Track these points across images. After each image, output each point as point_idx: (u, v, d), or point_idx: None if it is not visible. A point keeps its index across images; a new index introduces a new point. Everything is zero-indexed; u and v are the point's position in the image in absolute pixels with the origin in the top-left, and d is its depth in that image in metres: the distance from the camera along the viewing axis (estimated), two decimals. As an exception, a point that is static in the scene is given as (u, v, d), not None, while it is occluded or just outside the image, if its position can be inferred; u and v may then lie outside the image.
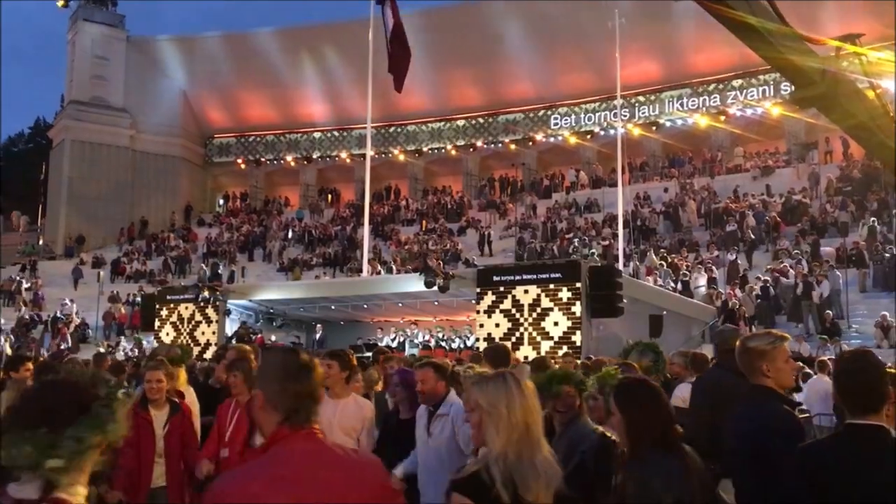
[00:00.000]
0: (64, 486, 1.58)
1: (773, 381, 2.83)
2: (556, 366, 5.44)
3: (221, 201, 37.74)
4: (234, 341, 14.89)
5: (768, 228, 21.54)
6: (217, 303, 16.35)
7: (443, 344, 16.38)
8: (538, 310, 12.78)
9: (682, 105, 29.31)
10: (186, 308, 16.77)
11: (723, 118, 28.51)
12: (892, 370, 3.34)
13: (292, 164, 36.44)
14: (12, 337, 21.75)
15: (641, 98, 29.75)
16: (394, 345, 16.21)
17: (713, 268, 19.32)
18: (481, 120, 33.32)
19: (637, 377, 3.17)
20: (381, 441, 4.40)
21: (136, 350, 18.66)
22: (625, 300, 12.63)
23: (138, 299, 21.84)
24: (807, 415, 8.77)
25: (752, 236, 21.22)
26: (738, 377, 3.14)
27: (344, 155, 35.47)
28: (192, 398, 5.20)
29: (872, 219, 20.38)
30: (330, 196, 36.13)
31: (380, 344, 15.86)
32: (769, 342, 2.88)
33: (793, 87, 3.97)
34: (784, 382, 2.89)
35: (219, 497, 1.66)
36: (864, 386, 2.33)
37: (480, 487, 2.01)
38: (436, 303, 15.11)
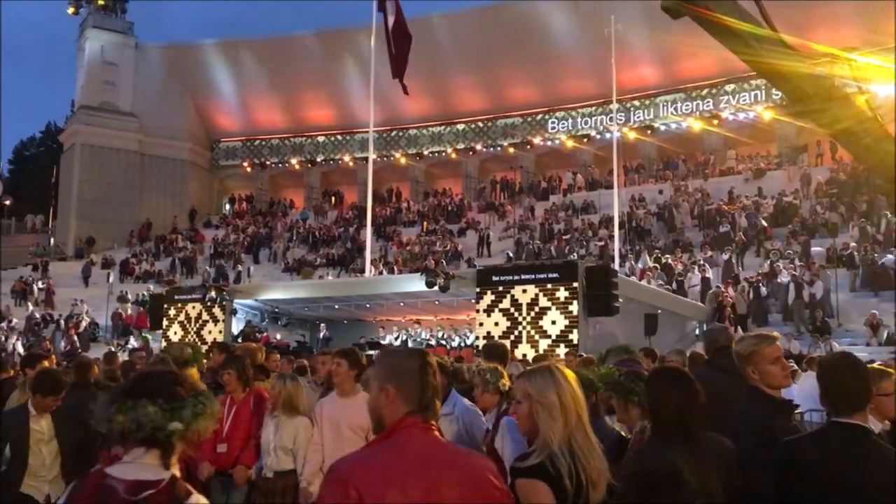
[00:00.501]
0: (176, 454, 1.77)
1: (760, 381, 2.81)
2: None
3: (228, 204, 38.35)
4: (240, 340, 15.36)
5: (755, 231, 21.89)
6: (223, 302, 16.62)
7: (443, 342, 16.79)
8: (536, 309, 12.99)
9: (676, 109, 29.78)
10: (194, 307, 17.07)
11: (716, 122, 29.01)
12: (883, 367, 3.46)
13: (297, 167, 37.01)
14: (24, 337, 22.24)
15: (637, 102, 30.25)
16: (396, 343, 16.66)
17: (707, 267, 19.77)
18: (480, 124, 33.85)
19: (667, 366, 3.25)
20: None
21: (144, 351, 19.09)
22: (620, 299, 12.88)
23: (147, 299, 22.30)
24: (798, 412, 9.15)
25: (744, 238, 21.68)
26: (730, 376, 3.16)
27: (347, 158, 36.01)
28: None
29: (862, 220, 20.83)
30: (333, 198, 36.66)
31: (382, 343, 16.37)
32: (752, 344, 2.87)
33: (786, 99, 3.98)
34: (771, 383, 2.81)
35: (344, 473, 1.75)
36: (846, 386, 2.35)
37: (547, 474, 2.12)
38: (437, 302, 15.40)
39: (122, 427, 1.75)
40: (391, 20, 15.24)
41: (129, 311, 23.68)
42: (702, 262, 20.14)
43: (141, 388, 1.81)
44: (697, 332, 16.57)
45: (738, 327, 16.11)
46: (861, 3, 23.24)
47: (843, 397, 2.35)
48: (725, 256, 20.23)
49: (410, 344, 16.84)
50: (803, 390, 9.85)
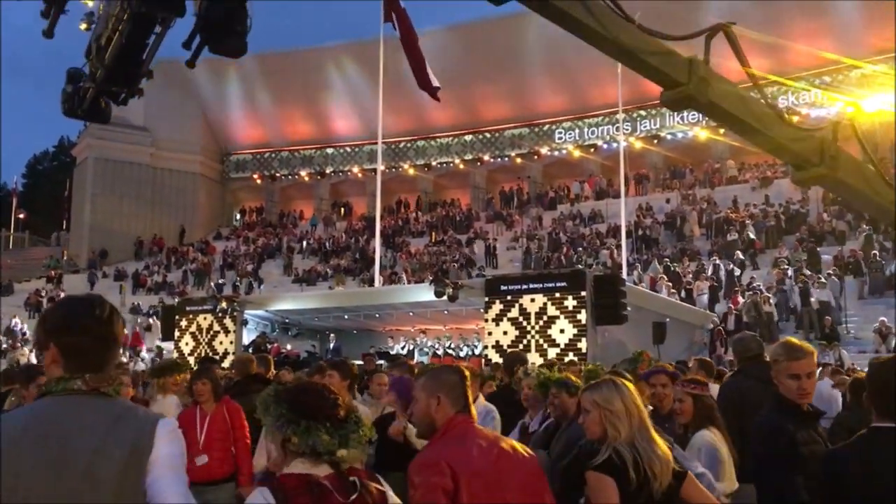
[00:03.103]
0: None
1: (783, 389, 2.85)
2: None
3: (238, 216, 38.74)
4: (251, 350, 15.51)
5: (748, 246, 21.74)
6: (234, 313, 16.77)
7: (451, 351, 16.90)
8: (544, 318, 12.98)
9: (682, 118, 29.86)
10: (205, 318, 17.14)
11: (722, 131, 29.04)
12: None
13: (306, 178, 37.36)
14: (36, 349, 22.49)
15: (643, 112, 30.36)
16: (404, 352, 16.76)
17: (715, 277, 19.78)
18: (488, 135, 34.09)
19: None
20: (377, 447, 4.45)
21: (159, 359, 19.30)
22: (629, 308, 12.90)
23: (158, 310, 22.53)
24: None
25: (741, 251, 21.64)
26: (761, 383, 3.23)
27: (356, 170, 36.32)
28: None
29: (869, 228, 20.81)
30: (343, 209, 36.97)
31: (391, 352, 16.49)
32: (777, 353, 2.92)
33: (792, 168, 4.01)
34: (790, 395, 2.83)
35: (434, 459, 2.19)
36: (889, 390, 2.29)
37: (615, 468, 2.44)
38: (445, 312, 15.41)
39: (296, 448, 1.84)
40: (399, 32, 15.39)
41: (125, 331, 23.82)
42: (709, 272, 20.14)
43: (306, 404, 1.89)
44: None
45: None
46: (868, 9, 23.37)
47: (885, 401, 2.28)
48: (730, 266, 20.15)
49: (418, 353, 16.96)
50: (815, 396, 9.88)
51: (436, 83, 14.99)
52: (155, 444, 1.61)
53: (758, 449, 2.73)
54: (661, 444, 2.55)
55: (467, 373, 2.47)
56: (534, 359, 12.59)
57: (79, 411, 1.60)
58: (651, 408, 4.01)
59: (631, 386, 2.68)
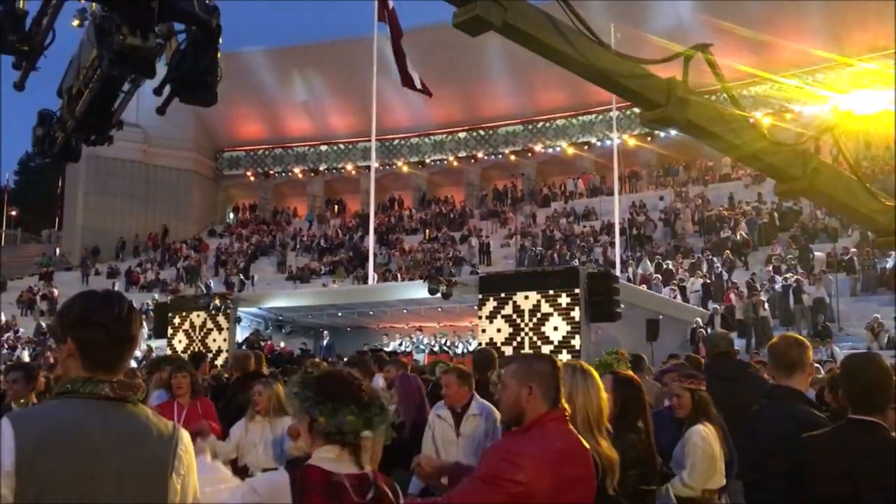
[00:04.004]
0: (367, 453, 1.89)
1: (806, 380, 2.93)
2: None
3: (231, 213, 38.62)
4: (244, 347, 15.47)
5: (740, 247, 21.81)
6: (227, 311, 16.77)
7: (446, 349, 16.91)
8: (538, 315, 12.96)
9: (676, 116, 29.99)
10: (198, 316, 17.10)
11: (716, 128, 29.16)
12: None
13: (300, 176, 37.28)
14: (30, 347, 22.40)
15: (637, 110, 30.33)
16: (399, 350, 16.76)
17: (709, 274, 19.84)
18: (482, 132, 34.08)
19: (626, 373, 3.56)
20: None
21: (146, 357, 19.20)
22: (622, 305, 12.94)
23: (150, 308, 22.45)
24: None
25: (745, 236, 21.79)
26: (727, 381, 3.30)
27: (350, 167, 36.26)
28: None
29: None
30: (336, 206, 36.91)
31: (386, 349, 16.48)
32: (799, 351, 2.96)
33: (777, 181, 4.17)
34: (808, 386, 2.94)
35: (511, 447, 2.18)
36: (868, 386, 2.35)
37: None
38: (439, 309, 15.48)
39: (323, 428, 1.87)
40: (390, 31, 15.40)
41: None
42: (702, 269, 20.21)
43: (333, 388, 1.92)
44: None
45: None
46: (861, 9, 23.47)
47: (864, 396, 2.35)
48: (718, 267, 20.16)
49: (414, 351, 16.96)
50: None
51: (419, 84, 15.03)
52: (176, 458, 1.64)
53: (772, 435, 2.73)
54: (606, 447, 2.56)
55: (559, 363, 2.42)
56: (528, 356, 12.67)
57: (107, 421, 1.57)
58: (667, 403, 4.11)
59: (594, 374, 2.69)
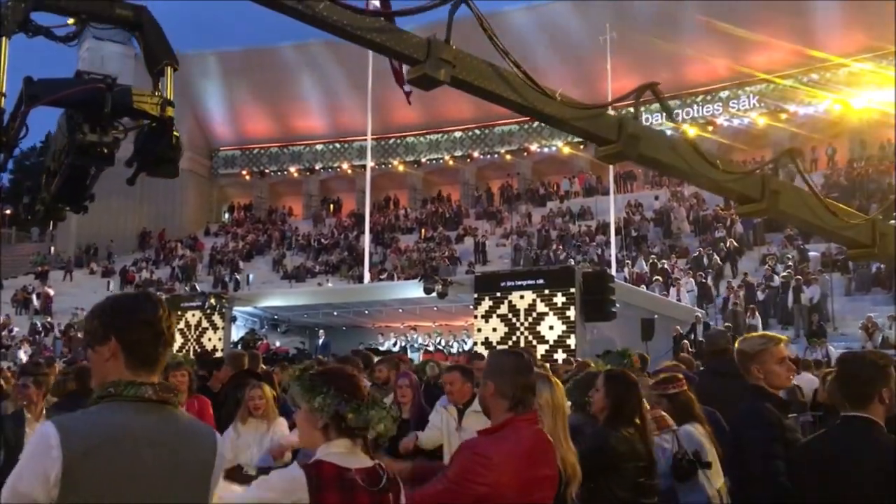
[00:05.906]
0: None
1: (764, 381, 2.87)
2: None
3: (227, 212, 38.50)
4: (240, 347, 15.44)
5: (729, 252, 21.73)
6: (223, 310, 16.77)
7: (441, 348, 16.90)
8: (534, 314, 13.05)
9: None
10: (193, 315, 17.12)
11: (710, 128, 29.23)
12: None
13: (295, 175, 37.20)
14: (26, 345, 22.30)
15: (631, 109, 30.31)
16: (395, 349, 16.75)
17: (703, 273, 19.86)
18: (478, 131, 34.07)
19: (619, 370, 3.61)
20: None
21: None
22: (617, 304, 12.97)
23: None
24: (794, 414, 9.27)
25: (736, 244, 21.76)
26: (725, 378, 3.30)
27: (345, 166, 36.21)
28: None
29: (856, 224, 20.93)
30: (332, 206, 36.85)
31: (381, 349, 16.46)
32: (760, 344, 2.93)
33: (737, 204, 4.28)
34: (775, 383, 2.89)
35: (478, 449, 2.20)
36: (861, 384, 2.39)
37: None
38: (435, 308, 15.49)
39: (353, 424, 1.89)
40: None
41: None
42: (693, 270, 20.18)
43: (347, 386, 1.94)
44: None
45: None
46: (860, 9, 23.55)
47: (857, 394, 2.39)
48: (708, 274, 20.11)
49: (409, 350, 16.95)
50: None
51: (407, 87, 15.03)
52: (217, 461, 1.66)
53: (746, 434, 2.77)
54: (569, 449, 2.61)
55: (532, 360, 2.55)
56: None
57: (152, 425, 1.56)
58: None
59: (559, 384, 2.78)
